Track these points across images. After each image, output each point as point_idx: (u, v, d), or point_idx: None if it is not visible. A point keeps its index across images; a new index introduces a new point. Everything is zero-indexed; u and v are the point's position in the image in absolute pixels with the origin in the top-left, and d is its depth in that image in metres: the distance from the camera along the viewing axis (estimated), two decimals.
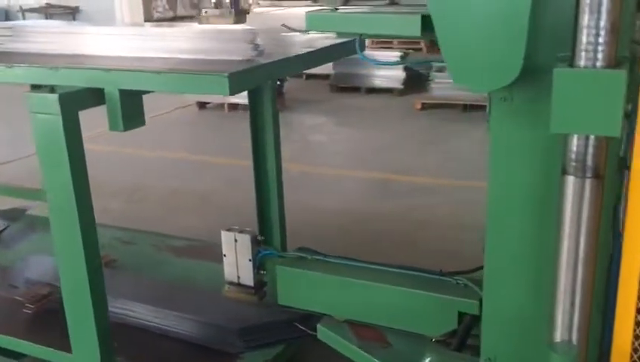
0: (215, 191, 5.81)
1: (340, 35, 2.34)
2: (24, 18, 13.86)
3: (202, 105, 9.13)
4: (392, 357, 2.23)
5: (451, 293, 2.21)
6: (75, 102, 2.15)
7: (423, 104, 8.61)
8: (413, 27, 1.74)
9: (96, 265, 2.30)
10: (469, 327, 2.15)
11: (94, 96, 2.19)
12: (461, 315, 2.18)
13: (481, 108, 8.28)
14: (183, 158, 7.04)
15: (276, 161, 3.16)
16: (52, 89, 2.15)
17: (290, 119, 8.58)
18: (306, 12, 2.04)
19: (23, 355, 2.72)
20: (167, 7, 16.34)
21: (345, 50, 2.62)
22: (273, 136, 3.21)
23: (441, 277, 2.32)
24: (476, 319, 2.12)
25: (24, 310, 2.84)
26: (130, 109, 2.17)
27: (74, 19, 14.23)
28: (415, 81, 9.29)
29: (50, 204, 2.25)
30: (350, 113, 8.88)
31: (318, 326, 2.43)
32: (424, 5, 1.62)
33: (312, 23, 2.02)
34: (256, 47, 2.18)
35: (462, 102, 8.34)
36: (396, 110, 8.86)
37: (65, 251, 2.29)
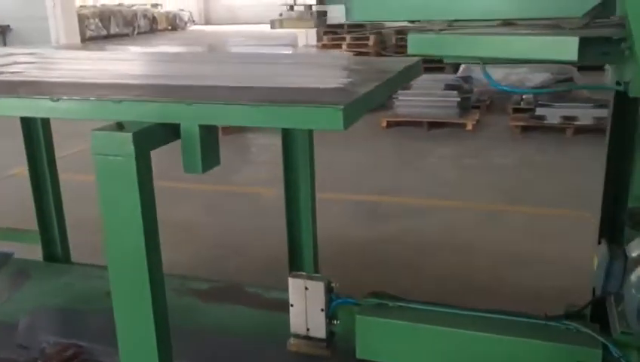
0: (195, 221, 5.46)
1: (456, 59, 2.12)
2: None
3: None
4: None
5: (567, 341, 2.04)
6: (148, 141, 1.83)
7: (388, 122, 8.51)
8: (570, 51, 1.56)
9: (165, 333, 1.97)
10: None
11: (167, 133, 1.89)
12: None
13: (444, 125, 8.32)
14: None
15: (311, 188, 2.97)
16: (120, 125, 1.83)
17: (249, 141, 8.33)
18: (410, 35, 1.84)
19: None
20: (100, 25, 15.69)
21: (414, 72, 2.44)
22: (308, 162, 3.02)
23: (547, 322, 2.14)
24: None
25: None
26: (208, 147, 1.88)
27: (4, 38, 13.36)
28: None
29: (113, 262, 1.91)
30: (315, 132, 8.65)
31: None
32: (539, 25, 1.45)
33: (421, 46, 1.82)
34: (350, 74, 1.94)
35: (427, 120, 8.32)
36: (362, 128, 8.70)
37: (130, 318, 1.95)
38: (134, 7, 26.81)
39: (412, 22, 2.01)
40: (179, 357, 2.06)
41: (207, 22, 32.22)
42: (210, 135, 1.88)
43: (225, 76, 2.14)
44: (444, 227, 5.16)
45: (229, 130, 8.55)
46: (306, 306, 2.28)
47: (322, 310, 2.27)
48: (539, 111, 7.99)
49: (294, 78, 2.02)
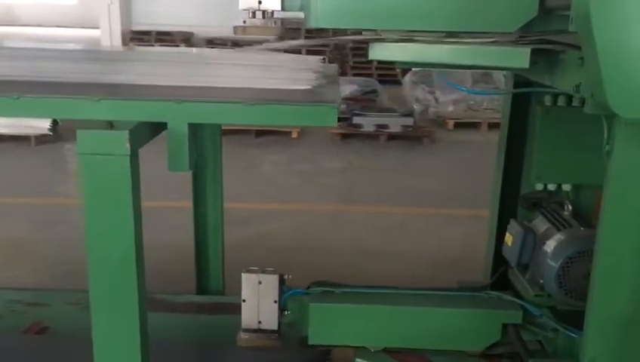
0: (25, 237, 5.08)
1: (417, 66, 2.35)
2: None
3: None
4: None
5: (493, 307, 2.40)
6: (139, 139, 1.81)
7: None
8: (522, 60, 1.90)
9: (146, 345, 1.94)
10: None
11: (151, 132, 1.88)
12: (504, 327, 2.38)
13: (270, 133, 8.61)
14: None
15: (219, 200, 3.04)
16: (111, 124, 1.79)
17: (67, 151, 7.88)
18: (371, 43, 2.05)
19: None
20: None
21: None
22: (214, 174, 3.08)
23: (473, 294, 2.48)
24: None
25: None
26: (193, 146, 1.91)
27: None
28: None
29: (94, 270, 1.84)
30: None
31: (357, 360, 2.39)
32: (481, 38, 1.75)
33: (385, 53, 2.05)
34: (319, 75, 2.10)
35: (254, 128, 8.54)
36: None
37: (114, 328, 1.89)
38: None
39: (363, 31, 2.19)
40: None
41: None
42: (194, 133, 1.91)
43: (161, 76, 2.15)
44: (293, 229, 5.41)
45: (41, 139, 8.00)
46: (258, 300, 2.37)
47: (275, 302, 2.37)
48: (355, 120, 8.64)
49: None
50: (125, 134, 1.74)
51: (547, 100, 2.44)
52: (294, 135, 8.56)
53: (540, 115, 2.43)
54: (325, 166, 7.49)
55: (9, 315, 2.86)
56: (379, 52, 2.06)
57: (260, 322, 2.39)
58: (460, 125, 9.63)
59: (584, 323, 1.98)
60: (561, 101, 2.44)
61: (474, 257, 4.98)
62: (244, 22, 2.23)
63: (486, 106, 10.21)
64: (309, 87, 2.05)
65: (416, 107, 9.89)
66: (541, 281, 2.32)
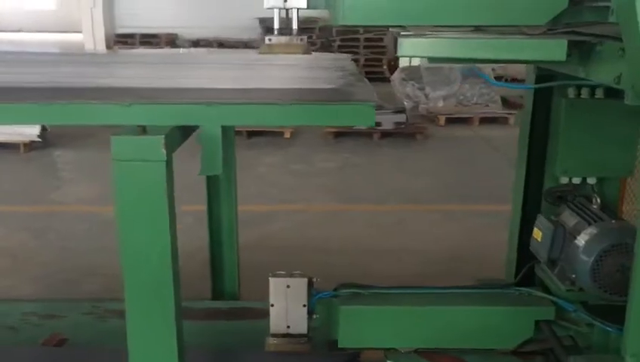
0: (22, 245, 4.99)
1: (449, 62, 2.30)
2: None
3: None
4: None
5: (525, 304, 2.37)
6: (172, 145, 1.76)
7: None
8: (559, 52, 1.88)
9: (182, 354, 1.88)
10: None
11: (182, 136, 1.83)
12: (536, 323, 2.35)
13: (263, 134, 8.55)
14: None
15: (233, 203, 3.00)
16: (144, 129, 1.73)
17: (56, 158, 7.79)
18: (400, 35, 2.01)
19: None
20: None
21: None
22: (229, 177, 3.03)
23: (503, 291, 2.45)
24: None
25: None
26: (225, 148, 1.86)
27: None
28: None
29: (130, 278, 1.78)
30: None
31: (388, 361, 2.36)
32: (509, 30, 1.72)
33: (415, 49, 2.01)
34: (345, 75, 2.06)
35: (246, 129, 8.48)
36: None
37: (151, 337, 1.83)
38: None
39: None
40: None
41: None
42: (226, 136, 1.86)
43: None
44: (294, 229, 5.38)
45: (31, 146, 7.86)
46: (287, 304, 2.32)
47: (304, 306, 2.33)
48: None
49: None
50: (161, 139, 1.68)
51: (571, 93, 2.42)
52: (287, 135, 8.51)
53: (565, 107, 2.41)
54: (321, 166, 7.45)
55: (24, 328, 2.79)
56: (409, 48, 2.02)
57: (288, 327, 2.34)
58: (451, 120, 9.65)
59: (625, 318, 1.95)
60: (584, 93, 2.42)
61: (475, 253, 4.99)
62: (270, 40, 2.18)
63: (475, 101, 10.26)
64: (334, 86, 2.01)
65: (407, 104, 9.89)
66: (573, 276, 2.30)
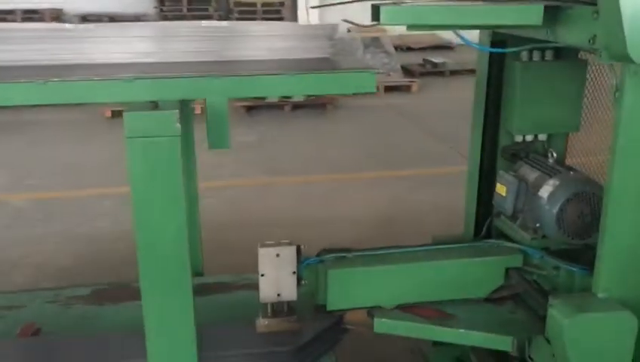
0: None
1: (429, 28, 2.34)
2: None
3: None
4: (468, 323, 2.43)
5: (497, 254, 2.55)
6: (181, 118, 1.74)
7: (112, 112, 8.20)
8: (536, 17, 2.02)
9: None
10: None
11: (184, 110, 1.81)
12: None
13: None
14: None
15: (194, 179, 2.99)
16: (156, 105, 1.69)
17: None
18: (377, 5, 2.08)
19: None
20: None
21: None
22: (187, 153, 3.00)
23: (473, 244, 2.62)
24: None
25: None
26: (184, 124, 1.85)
27: None
28: None
29: (144, 255, 1.75)
30: (33, 130, 7.89)
31: (375, 319, 2.46)
32: None
33: (397, 16, 2.08)
34: (334, 44, 2.10)
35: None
36: (81, 121, 8.23)
37: (167, 313, 1.81)
38: None
39: None
40: None
41: None
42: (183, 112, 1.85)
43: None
44: (225, 205, 5.38)
45: None
46: (277, 273, 2.36)
47: (294, 273, 2.37)
48: None
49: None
50: (175, 114, 1.67)
51: (524, 56, 2.59)
52: (197, 110, 8.34)
53: (520, 70, 2.58)
54: (240, 140, 7.41)
55: None
56: (390, 16, 2.08)
57: (279, 295, 2.38)
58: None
59: (596, 257, 2.16)
60: (536, 56, 2.61)
61: (404, 216, 5.23)
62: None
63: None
64: (327, 55, 2.06)
65: None
66: (537, 225, 2.49)
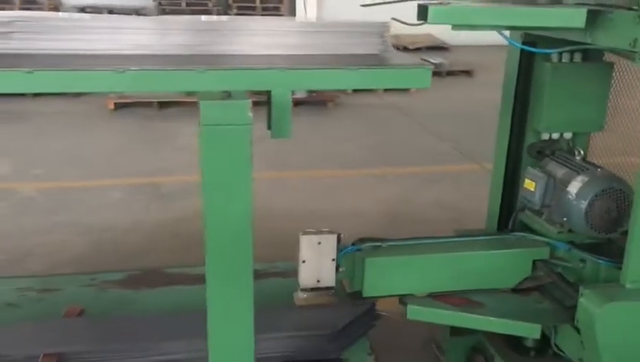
0: None
1: (473, 28, 2.42)
2: None
3: None
4: (496, 312, 2.54)
5: (524, 246, 2.66)
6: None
7: (115, 104, 8.23)
8: (579, 20, 2.13)
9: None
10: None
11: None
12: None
13: (176, 104, 8.42)
14: None
15: None
16: (229, 95, 1.78)
17: None
18: (425, 5, 2.17)
19: None
20: None
21: None
22: None
23: (502, 236, 2.73)
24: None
25: None
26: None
27: None
28: None
29: (212, 239, 1.83)
30: (38, 120, 7.91)
31: (408, 306, 2.55)
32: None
33: (445, 16, 2.17)
34: (384, 41, 2.19)
35: (156, 100, 8.32)
36: (85, 113, 8.25)
37: (229, 297, 1.89)
38: None
39: None
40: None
41: None
42: None
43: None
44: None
45: None
46: (318, 260, 2.45)
47: (333, 260, 2.47)
48: None
49: None
50: (248, 103, 1.75)
51: (554, 58, 2.71)
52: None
53: (550, 70, 2.69)
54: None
55: (25, 303, 2.71)
56: (438, 16, 2.18)
57: (318, 281, 2.48)
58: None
59: (625, 250, 2.28)
60: (565, 58, 2.72)
61: (411, 211, 5.33)
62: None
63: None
64: (376, 52, 2.15)
65: None
66: (564, 219, 2.61)
